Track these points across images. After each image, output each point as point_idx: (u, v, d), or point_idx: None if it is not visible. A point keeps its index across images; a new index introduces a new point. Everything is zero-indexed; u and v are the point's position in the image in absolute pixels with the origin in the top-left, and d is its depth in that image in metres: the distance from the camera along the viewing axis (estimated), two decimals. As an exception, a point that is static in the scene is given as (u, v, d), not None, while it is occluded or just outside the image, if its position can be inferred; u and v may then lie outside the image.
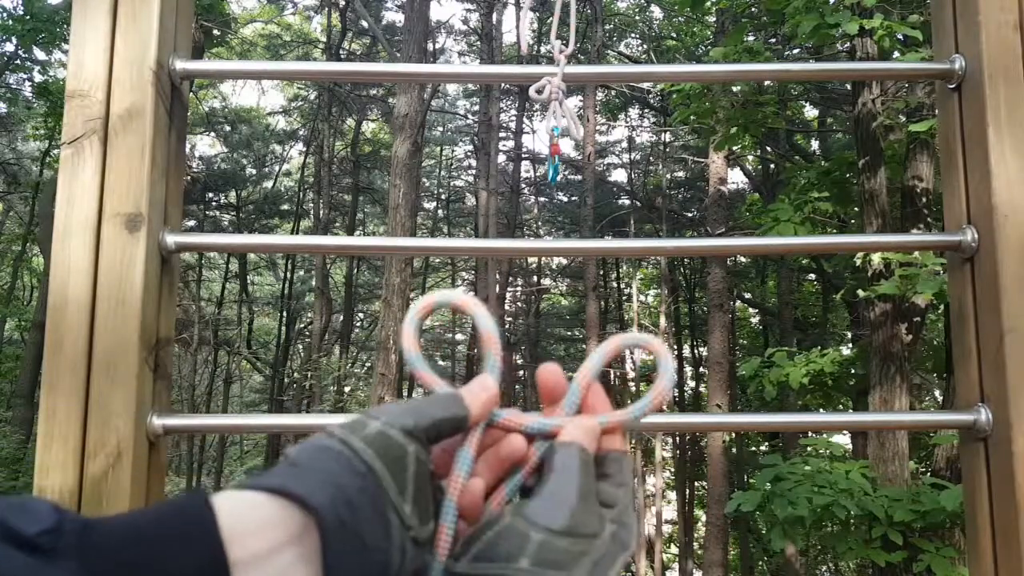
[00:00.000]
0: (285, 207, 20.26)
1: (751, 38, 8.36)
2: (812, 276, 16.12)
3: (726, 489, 10.64)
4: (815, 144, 15.65)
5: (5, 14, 10.16)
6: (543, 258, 19.09)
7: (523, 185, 19.94)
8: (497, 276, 15.04)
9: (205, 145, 20.29)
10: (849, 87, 8.25)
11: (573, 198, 19.79)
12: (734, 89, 7.28)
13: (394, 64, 7.16)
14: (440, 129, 21.34)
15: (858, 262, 6.23)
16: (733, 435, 12.93)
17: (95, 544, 0.38)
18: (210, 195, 19.13)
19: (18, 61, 11.80)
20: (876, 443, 6.44)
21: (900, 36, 5.54)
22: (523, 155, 19.40)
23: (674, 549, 18.26)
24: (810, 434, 9.46)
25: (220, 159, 19.59)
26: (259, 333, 20.52)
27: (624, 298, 19.65)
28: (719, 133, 7.60)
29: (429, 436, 0.50)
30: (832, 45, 7.02)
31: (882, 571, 5.78)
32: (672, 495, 17.53)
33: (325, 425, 0.50)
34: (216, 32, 13.54)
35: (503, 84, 16.01)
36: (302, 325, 20.00)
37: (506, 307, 16.45)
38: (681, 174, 18.99)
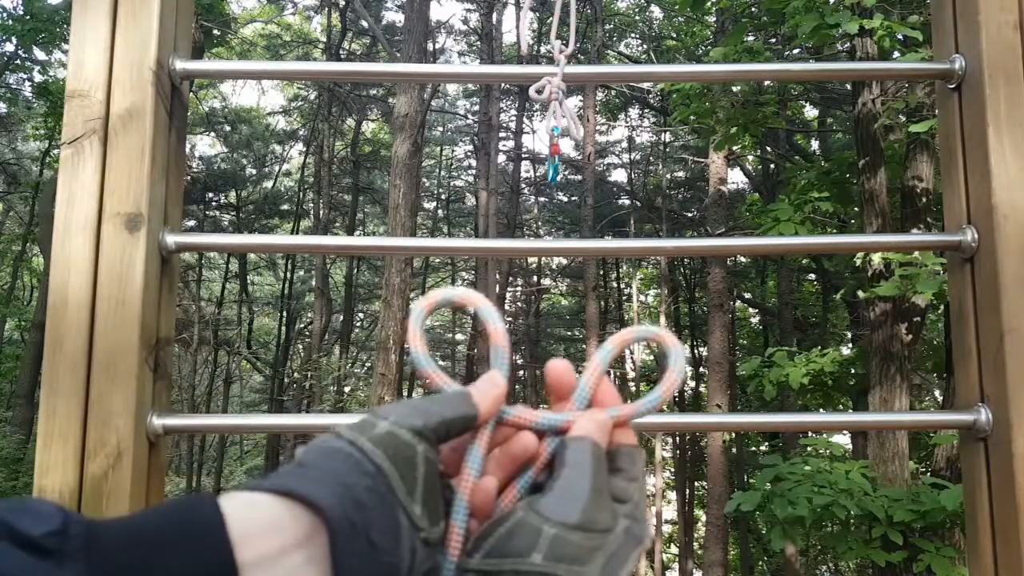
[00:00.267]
0: (285, 207, 20.26)
1: (751, 38, 8.36)
2: (812, 276, 16.12)
3: (726, 489, 10.64)
4: (815, 144, 15.66)
5: (5, 14, 10.16)
6: (543, 258, 19.09)
7: (523, 185, 19.94)
8: (497, 276, 15.04)
9: (205, 145, 20.32)
10: (849, 87, 8.25)
11: (573, 198, 19.79)
12: (734, 89, 7.28)
13: (394, 64, 7.16)
14: (440, 129, 21.34)
15: (858, 262, 6.23)
16: (733, 435, 12.93)
17: (101, 545, 0.37)
18: (210, 195, 19.14)
19: (18, 61, 11.80)
20: (876, 443, 6.44)
21: (900, 36, 5.54)
22: (523, 155, 19.40)
23: (674, 549, 18.26)
24: (810, 434, 9.46)
25: (220, 159, 19.59)
26: (259, 333, 20.52)
27: (624, 298, 19.65)
28: (719, 133, 7.60)
29: (438, 435, 0.49)
30: (832, 45, 7.02)
31: (882, 571, 5.78)
32: (672, 495, 17.54)
33: (325, 425, 0.50)
34: (216, 32, 13.55)
35: (503, 84, 16.02)
36: (302, 325, 20.00)
37: (506, 307, 16.45)
38: (681, 174, 18.99)
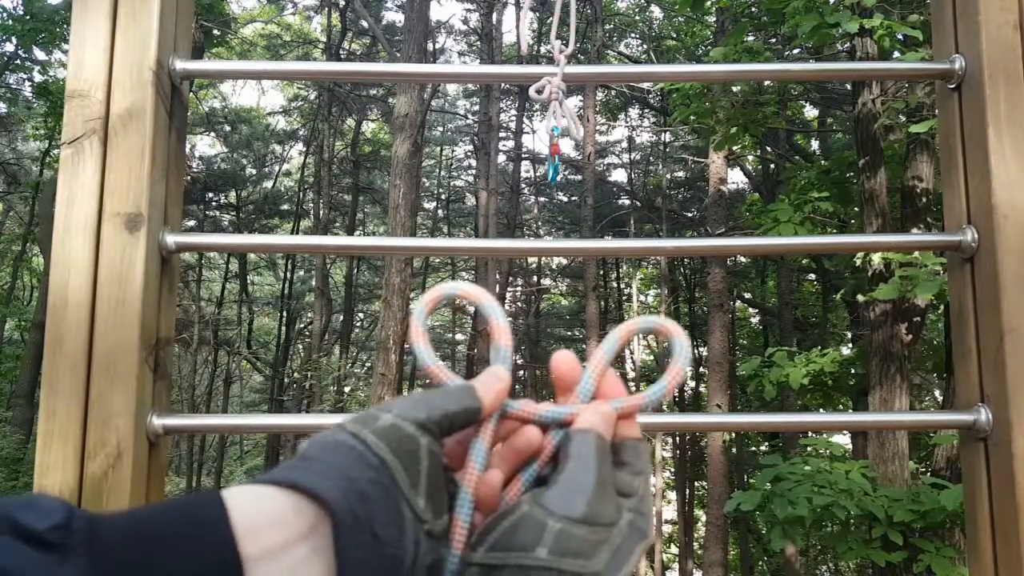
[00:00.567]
0: (285, 207, 20.26)
1: (751, 38, 8.36)
2: (812, 276, 16.12)
3: (726, 489, 10.64)
4: (815, 144, 15.65)
5: (5, 14, 10.16)
6: (543, 258, 19.09)
7: (523, 185, 19.94)
8: (497, 276, 15.04)
9: (205, 145, 20.32)
10: (849, 87, 8.25)
11: (573, 198, 19.79)
12: (734, 89, 7.28)
13: (394, 64, 7.16)
14: (440, 129, 21.33)
15: (858, 262, 6.23)
16: (733, 435, 12.93)
17: (104, 540, 0.37)
18: (210, 195, 19.14)
19: (18, 61, 11.80)
20: (876, 443, 6.44)
21: (900, 36, 5.54)
22: (523, 155, 19.40)
23: (674, 549, 18.26)
24: (810, 434, 9.46)
25: (220, 159, 19.59)
26: (259, 333, 20.52)
27: (624, 298, 19.65)
28: (719, 133, 7.60)
29: (442, 429, 0.49)
30: (832, 45, 7.02)
31: (882, 571, 5.78)
32: (672, 495, 17.53)
33: (325, 425, 0.50)
34: (216, 32, 13.55)
35: (503, 84, 16.01)
36: (302, 325, 20.00)
37: (506, 307, 16.46)
38: (681, 174, 18.99)
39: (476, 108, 18.64)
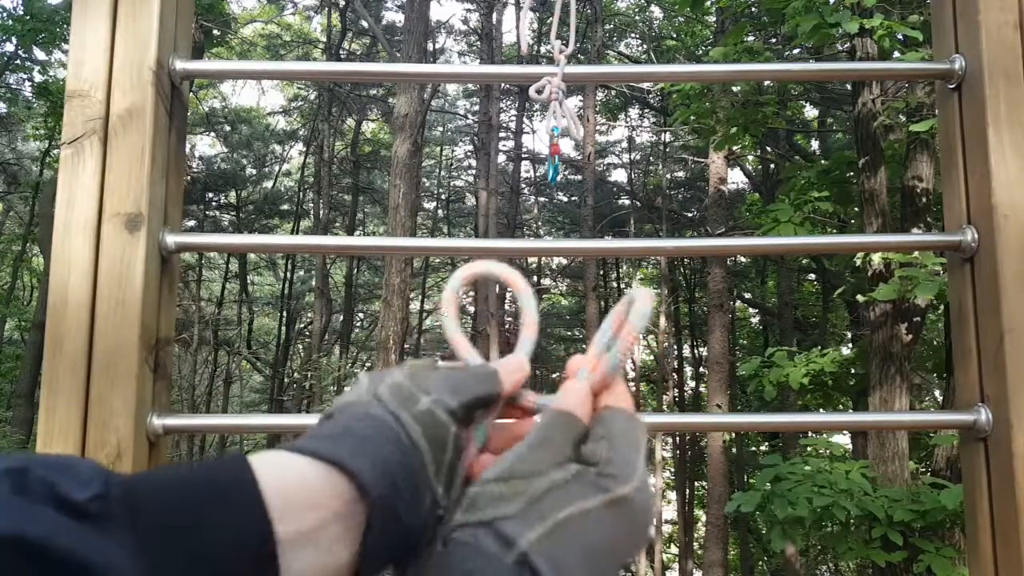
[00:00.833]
0: (285, 207, 20.25)
1: (751, 38, 8.36)
2: (812, 276, 16.12)
3: (726, 489, 10.64)
4: (815, 144, 15.65)
5: (5, 14, 10.16)
6: (543, 258, 19.09)
7: (523, 185, 19.93)
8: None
9: (205, 145, 20.31)
10: (849, 87, 8.25)
11: (573, 198, 19.79)
12: (734, 89, 7.27)
13: (394, 64, 7.16)
14: (440, 129, 21.33)
15: (858, 262, 6.23)
16: (733, 435, 12.93)
17: (141, 511, 0.36)
18: (210, 195, 19.13)
19: (18, 61, 11.79)
20: (876, 443, 6.44)
21: (900, 36, 5.54)
22: (523, 155, 19.40)
23: (674, 549, 18.26)
24: (810, 434, 9.47)
25: (220, 159, 19.59)
26: (259, 333, 20.51)
27: (624, 298, 19.59)
28: (719, 133, 7.60)
29: (468, 414, 0.50)
30: (832, 45, 7.02)
31: (882, 571, 5.77)
32: (672, 495, 17.53)
33: None
34: (216, 32, 13.55)
35: (503, 84, 16.01)
36: (302, 325, 20.00)
37: (506, 307, 16.45)
38: (681, 174, 18.99)
39: (476, 108, 18.63)
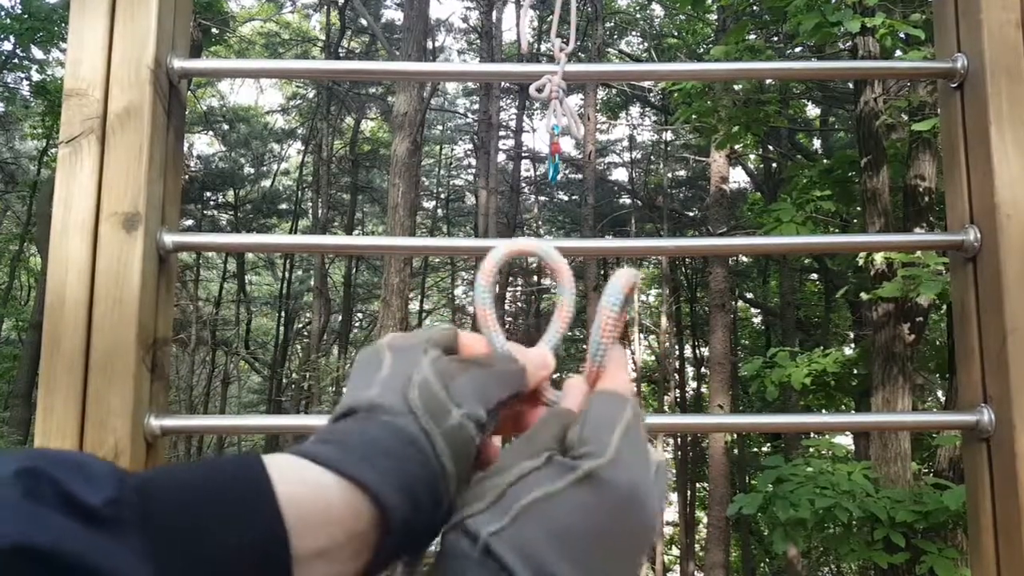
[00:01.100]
0: (283, 206, 20.25)
1: (752, 36, 8.35)
2: (814, 276, 16.12)
3: (728, 490, 10.65)
4: (817, 143, 15.65)
5: (3, 13, 10.16)
6: (543, 258, 19.04)
7: (523, 184, 19.93)
8: (497, 276, 15.02)
9: (203, 144, 20.31)
10: (851, 86, 8.25)
11: (573, 197, 19.79)
12: (736, 88, 7.27)
13: (393, 62, 7.15)
14: (440, 128, 21.33)
15: (860, 262, 6.23)
16: (735, 436, 12.93)
17: (155, 516, 0.35)
18: (208, 194, 19.12)
19: (16, 60, 11.78)
20: (878, 444, 6.43)
21: (902, 35, 5.54)
22: (523, 154, 19.39)
23: (675, 551, 18.26)
24: (812, 435, 9.47)
25: (218, 158, 19.59)
26: (257, 333, 20.51)
27: (624, 298, 19.60)
28: (720, 132, 7.59)
29: (492, 420, 0.50)
30: (834, 44, 7.01)
31: (884, 572, 5.77)
32: (673, 496, 17.53)
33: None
34: (214, 30, 13.55)
35: (503, 83, 16.01)
36: (300, 325, 19.99)
37: (506, 307, 16.46)
38: (682, 173, 18.99)
39: (476, 107, 18.63)
